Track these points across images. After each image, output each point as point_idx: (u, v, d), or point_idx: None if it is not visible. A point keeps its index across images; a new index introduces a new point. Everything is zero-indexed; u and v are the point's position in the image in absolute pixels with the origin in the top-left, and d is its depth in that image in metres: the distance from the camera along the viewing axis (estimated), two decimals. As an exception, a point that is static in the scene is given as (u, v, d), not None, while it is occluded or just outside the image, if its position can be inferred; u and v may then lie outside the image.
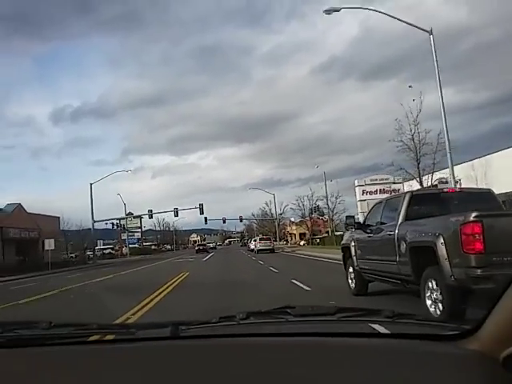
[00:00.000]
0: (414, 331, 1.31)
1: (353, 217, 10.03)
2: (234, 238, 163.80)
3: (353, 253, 8.96)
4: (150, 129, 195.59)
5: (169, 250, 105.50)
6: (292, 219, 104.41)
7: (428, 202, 7.60)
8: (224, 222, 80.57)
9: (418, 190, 20.65)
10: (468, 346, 1.12)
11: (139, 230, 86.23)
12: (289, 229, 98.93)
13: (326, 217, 65.60)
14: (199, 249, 61.53)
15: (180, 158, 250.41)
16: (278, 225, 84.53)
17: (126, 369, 1.13)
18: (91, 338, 1.39)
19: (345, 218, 10.07)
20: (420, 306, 6.00)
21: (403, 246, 6.63)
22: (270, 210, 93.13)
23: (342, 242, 10.12)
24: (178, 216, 55.70)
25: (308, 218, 59.48)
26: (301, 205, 58.52)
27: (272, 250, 40.33)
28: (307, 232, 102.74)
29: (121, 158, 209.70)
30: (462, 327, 1.24)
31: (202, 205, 55.20)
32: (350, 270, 9.15)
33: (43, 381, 1.10)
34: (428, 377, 1.02)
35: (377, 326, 1.42)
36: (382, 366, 1.07)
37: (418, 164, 24.50)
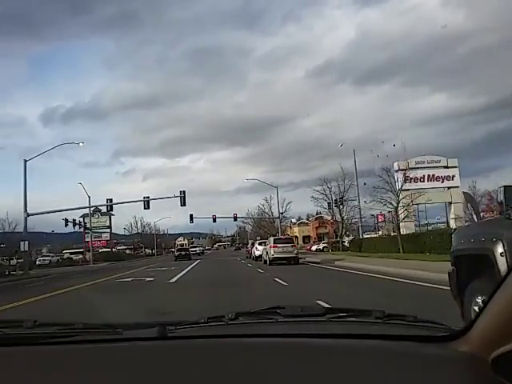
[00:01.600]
0: (404, 332, 1.30)
1: None
2: (224, 242, 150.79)
3: (501, 267, 4.14)
4: (142, 131, 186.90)
5: (148, 255, 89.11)
6: (293, 220, 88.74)
7: None
8: (214, 220, 64.56)
9: None
10: (458, 347, 1.12)
11: (108, 230, 69.25)
12: (289, 231, 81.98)
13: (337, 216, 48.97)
14: (180, 254, 45.15)
15: (172, 160, 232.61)
16: (280, 225, 68.25)
17: (113, 369, 1.11)
18: (77, 338, 1.34)
19: (502, 190, 4.51)
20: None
21: None
22: (271, 207, 77.36)
23: (457, 246, 5.17)
24: (149, 208, 39.41)
25: (329, 211, 41.87)
26: (327, 191, 41.17)
27: (295, 260, 24.07)
28: (312, 235, 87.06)
29: (112, 160, 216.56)
30: (452, 329, 1.24)
31: (183, 192, 38.84)
32: (479, 298, 4.32)
33: (28, 381, 1.07)
34: (418, 378, 1.01)
35: (367, 327, 1.41)
36: (371, 367, 1.06)
37: None
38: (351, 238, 46.78)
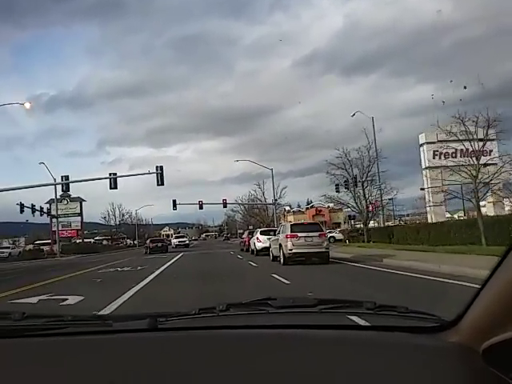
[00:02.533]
0: (395, 323, 1.29)
1: None
2: (212, 232, 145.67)
3: None
4: (128, 120, 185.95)
5: (129, 246, 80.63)
6: (287, 207, 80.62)
7: None
8: (201, 207, 56.79)
9: None
10: (448, 338, 1.12)
11: (78, 217, 60.26)
12: (283, 220, 73.37)
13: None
14: (156, 246, 36.79)
15: (159, 150, 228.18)
16: (276, 213, 60.43)
17: (103, 361, 1.09)
18: (66, 330, 1.31)
19: None
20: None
21: None
22: (264, 193, 69.26)
23: None
24: (116, 188, 30.71)
25: (350, 191, 32.22)
26: (345, 162, 31.42)
27: (325, 258, 15.88)
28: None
29: (97, 150, 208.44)
30: (442, 319, 1.24)
31: (160, 168, 30.42)
32: None
33: (15, 373, 1.04)
34: (408, 369, 1.01)
35: (358, 318, 1.40)
36: (362, 358, 1.06)
37: None
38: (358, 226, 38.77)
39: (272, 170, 57.49)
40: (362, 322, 1.35)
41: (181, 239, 57.50)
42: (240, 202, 71.36)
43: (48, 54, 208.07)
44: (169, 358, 1.08)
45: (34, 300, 9.19)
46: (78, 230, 60.31)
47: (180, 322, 1.33)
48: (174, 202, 54.90)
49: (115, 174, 30.87)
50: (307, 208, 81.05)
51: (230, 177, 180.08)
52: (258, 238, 23.34)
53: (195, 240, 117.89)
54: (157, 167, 30.48)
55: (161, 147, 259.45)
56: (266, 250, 21.09)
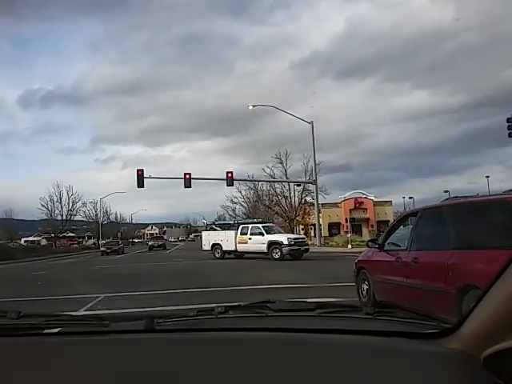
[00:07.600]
0: (394, 329, 1.27)
1: None
2: (201, 232, 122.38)
3: None
4: (124, 118, 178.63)
5: (89, 248, 55.82)
6: (310, 199, 54.58)
7: None
8: (188, 185, 32.57)
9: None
10: (448, 344, 1.10)
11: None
12: (311, 216, 47.21)
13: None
14: None
15: (154, 149, 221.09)
16: (317, 204, 35.81)
17: (99, 362, 1.09)
18: (63, 330, 1.31)
19: None
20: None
21: None
22: (286, 170, 44.48)
23: None
24: None
25: None
26: None
27: None
28: (343, 222, 54.35)
29: (92, 147, 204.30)
30: (442, 325, 1.23)
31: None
32: None
33: (11, 372, 1.04)
34: (406, 375, 1.00)
35: (357, 323, 1.42)
36: (360, 362, 1.05)
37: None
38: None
39: (312, 122, 33.31)
40: (361, 327, 1.31)
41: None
42: (248, 176, 45.73)
43: (47, 47, 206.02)
44: (166, 360, 1.06)
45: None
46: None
47: (178, 323, 1.31)
48: (140, 172, 30.24)
49: None
50: (343, 200, 56.21)
51: (223, 177, 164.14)
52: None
53: (182, 241, 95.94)
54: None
55: (156, 146, 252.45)
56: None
